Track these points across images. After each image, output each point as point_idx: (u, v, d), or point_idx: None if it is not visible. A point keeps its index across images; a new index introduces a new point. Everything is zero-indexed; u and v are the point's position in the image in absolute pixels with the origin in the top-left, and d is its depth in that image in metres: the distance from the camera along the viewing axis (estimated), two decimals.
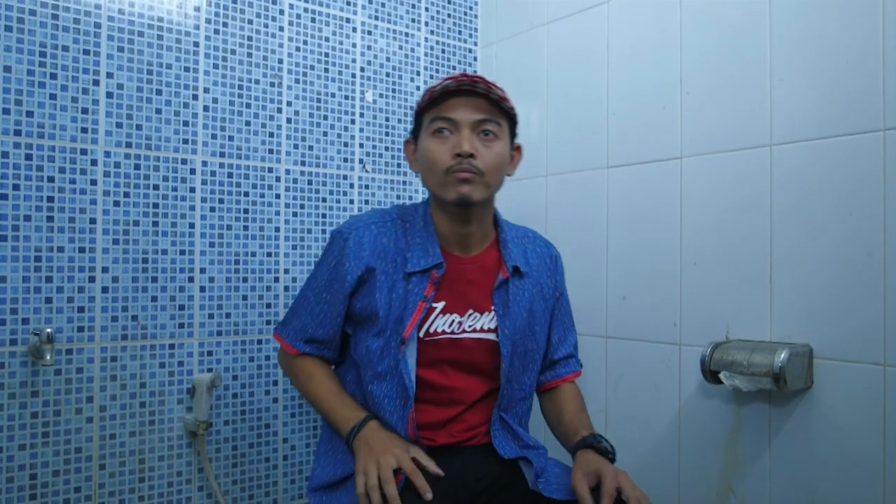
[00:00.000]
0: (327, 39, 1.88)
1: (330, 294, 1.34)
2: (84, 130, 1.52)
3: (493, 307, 1.36)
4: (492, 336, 1.36)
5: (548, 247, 1.50)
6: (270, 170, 1.78)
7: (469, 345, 1.35)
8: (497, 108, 1.31)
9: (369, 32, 1.95)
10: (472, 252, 1.38)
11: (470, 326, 1.35)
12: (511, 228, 1.46)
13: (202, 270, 1.67)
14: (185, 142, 1.65)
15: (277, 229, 1.78)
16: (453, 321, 1.34)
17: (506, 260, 1.37)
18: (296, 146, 1.82)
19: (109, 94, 1.56)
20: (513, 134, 1.39)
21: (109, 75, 1.56)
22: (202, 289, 1.67)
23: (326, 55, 1.87)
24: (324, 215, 1.86)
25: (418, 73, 2.04)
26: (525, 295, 1.39)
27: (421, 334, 1.31)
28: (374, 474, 1.18)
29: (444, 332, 1.33)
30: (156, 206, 1.61)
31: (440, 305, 1.33)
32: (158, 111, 1.62)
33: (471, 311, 1.35)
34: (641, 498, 1.19)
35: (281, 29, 1.80)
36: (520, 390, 1.40)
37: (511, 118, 1.36)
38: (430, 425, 1.34)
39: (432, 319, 1.32)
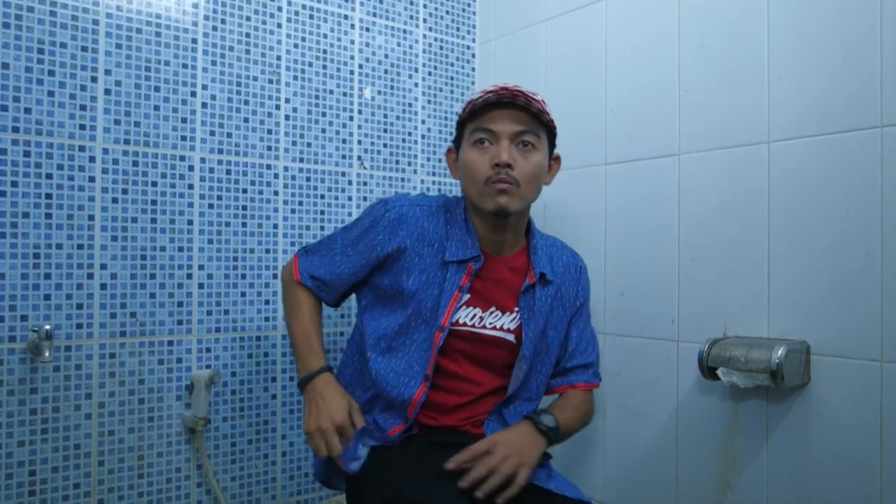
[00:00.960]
0: (325, 36, 1.87)
1: (353, 251, 1.40)
2: (82, 127, 1.52)
3: (516, 309, 1.39)
4: (510, 336, 1.39)
5: (574, 257, 1.53)
6: (268, 166, 1.78)
7: (488, 340, 1.38)
8: (536, 120, 1.35)
9: (367, 29, 1.95)
10: (503, 254, 1.41)
11: (491, 324, 1.38)
12: (542, 237, 1.49)
13: (200, 267, 1.67)
14: (184, 138, 1.65)
15: (276, 226, 1.78)
16: (475, 315, 1.37)
17: (534, 265, 1.41)
18: (294, 143, 1.82)
19: (107, 91, 1.55)
20: (552, 144, 1.43)
21: (107, 72, 1.55)
22: (200, 285, 1.67)
23: (325, 52, 1.87)
24: (322, 212, 1.86)
25: (416, 70, 2.04)
26: (547, 301, 1.42)
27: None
28: (322, 443, 1.27)
29: (465, 324, 1.36)
30: (154, 202, 1.61)
31: (465, 298, 1.36)
32: (156, 108, 1.62)
33: (493, 308, 1.39)
34: (498, 466, 1.23)
35: (279, 25, 1.80)
36: (526, 391, 1.43)
37: (550, 129, 1.39)
38: (435, 407, 1.38)
39: (455, 309, 1.35)
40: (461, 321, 1.36)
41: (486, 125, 1.33)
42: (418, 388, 1.34)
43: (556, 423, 1.34)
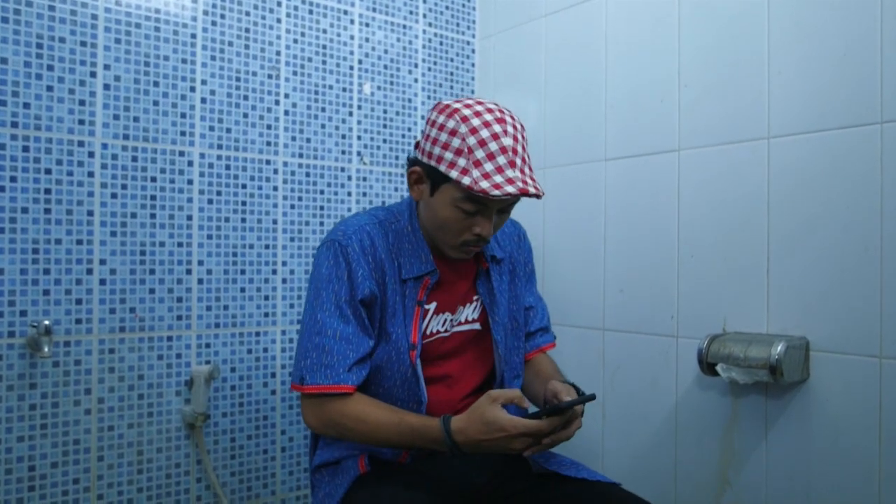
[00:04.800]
0: (325, 31, 1.87)
1: (356, 305, 1.26)
2: (81, 122, 1.52)
3: (475, 297, 1.39)
4: (476, 325, 1.39)
5: (515, 226, 1.52)
6: (268, 162, 1.77)
7: (460, 338, 1.38)
8: None
9: (367, 24, 1.95)
10: None
11: (457, 321, 1.37)
12: None
13: (200, 262, 1.67)
14: (183, 134, 1.65)
15: (275, 221, 1.78)
16: (446, 320, 1.36)
17: (484, 251, 1.39)
18: (293, 138, 1.82)
19: (106, 86, 1.55)
20: None
21: (106, 67, 1.55)
22: (200, 281, 1.67)
23: (324, 47, 1.87)
24: (321, 207, 1.86)
25: (416, 66, 2.04)
26: (504, 279, 1.43)
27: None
28: (519, 444, 1.15)
29: (438, 332, 1.35)
30: (153, 198, 1.61)
31: (432, 307, 1.34)
32: (156, 103, 1.61)
33: (459, 306, 1.37)
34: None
35: (278, 20, 1.79)
36: (510, 370, 1.43)
37: None
38: (441, 405, 1.36)
39: (427, 321, 1.33)
40: (434, 330, 1.33)
41: (482, 200, 1.21)
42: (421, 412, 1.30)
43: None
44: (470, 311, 1.38)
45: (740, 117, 1.51)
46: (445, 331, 1.35)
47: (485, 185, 1.16)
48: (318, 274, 1.28)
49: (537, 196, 1.19)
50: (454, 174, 1.19)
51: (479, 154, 1.18)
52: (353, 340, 1.25)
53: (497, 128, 1.19)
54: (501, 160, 1.18)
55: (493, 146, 1.18)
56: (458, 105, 1.23)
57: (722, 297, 1.53)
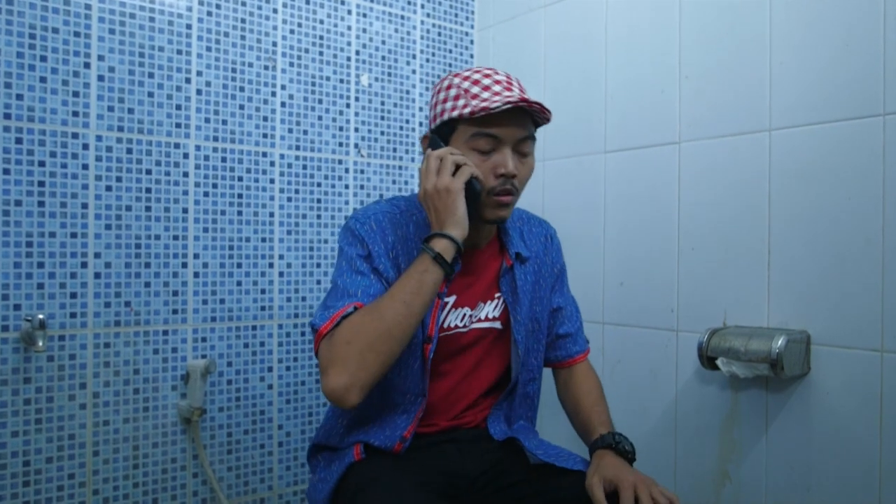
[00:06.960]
0: (322, 22, 1.85)
1: (373, 266, 1.26)
2: (75, 114, 1.50)
3: (497, 295, 1.37)
4: (497, 324, 1.37)
5: (542, 226, 1.49)
6: (264, 154, 1.76)
7: (477, 335, 1.35)
8: (533, 123, 1.28)
9: (364, 15, 1.93)
10: (480, 246, 1.36)
11: (477, 317, 1.35)
12: None
13: (196, 256, 1.66)
14: (178, 126, 1.63)
15: (272, 214, 1.77)
16: (464, 315, 1.34)
17: (508, 248, 1.37)
18: (290, 130, 1.80)
19: (101, 77, 1.53)
20: None
21: (101, 58, 1.53)
22: (196, 274, 1.66)
23: (321, 38, 1.85)
24: (318, 200, 1.84)
25: (414, 57, 2.02)
26: (529, 279, 1.40)
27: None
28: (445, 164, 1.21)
29: (456, 327, 1.33)
30: (148, 190, 1.60)
31: (451, 300, 1.32)
32: (150, 94, 1.60)
33: (479, 302, 1.35)
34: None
35: (275, 11, 1.77)
36: (528, 372, 1.41)
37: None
38: (438, 415, 1.35)
39: (445, 314, 1.31)
40: (452, 325, 1.32)
41: (490, 131, 1.22)
42: (420, 405, 1.30)
43: (627, 440, 1.30)
44: (491, 309, 1.36)
45: (741, 109, 1.49)
46: (464, 326, 1.33)
47: (484, 104, 1.20)
48: (340, 251, 1.29)
49: (542, 112, 1.23)
50: (455, 113, 1.24)
51: (475, 90, 1.24)
52: (376, 284, 1.24)
53: (489, 71, 1.27)
54: (497, 87, 1.24)
55: (487, 81, 1.24)
56: (455, 72, 1.31)
57: (722, 290, 1.53)
